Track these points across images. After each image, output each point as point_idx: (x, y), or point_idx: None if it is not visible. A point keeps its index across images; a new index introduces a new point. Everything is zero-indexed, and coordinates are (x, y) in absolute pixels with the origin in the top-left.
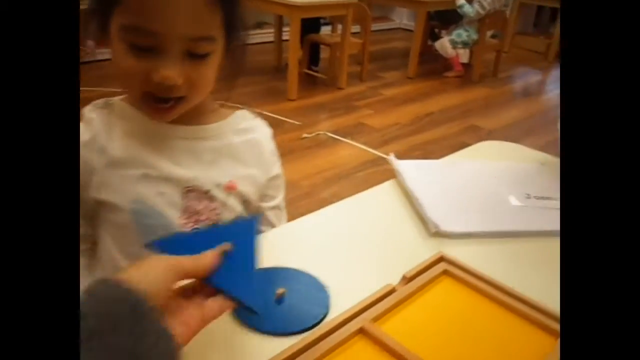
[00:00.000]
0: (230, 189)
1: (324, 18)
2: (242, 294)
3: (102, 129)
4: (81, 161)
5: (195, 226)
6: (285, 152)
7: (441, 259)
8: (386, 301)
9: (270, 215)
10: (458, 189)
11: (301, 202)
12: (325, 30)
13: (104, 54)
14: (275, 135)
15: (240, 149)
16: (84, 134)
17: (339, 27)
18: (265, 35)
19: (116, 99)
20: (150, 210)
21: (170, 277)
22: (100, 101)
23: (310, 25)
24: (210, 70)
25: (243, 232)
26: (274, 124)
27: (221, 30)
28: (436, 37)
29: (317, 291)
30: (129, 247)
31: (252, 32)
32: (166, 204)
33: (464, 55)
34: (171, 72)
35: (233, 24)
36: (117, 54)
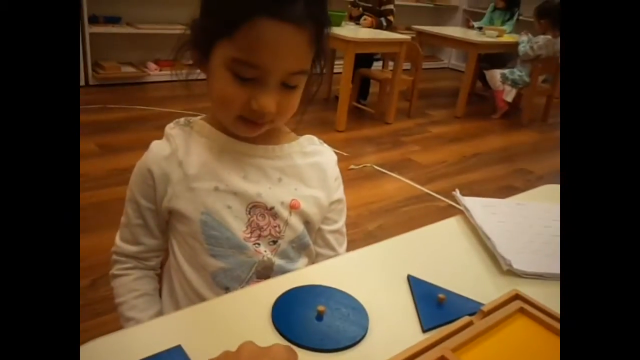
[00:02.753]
0: (293, 207)
1: (376, 54)
2: None
3: (181, 144)
4: (160, 173)
5: (257, 241)
6: None
7: (516, 297)
8: (465, 333)
9: (331, 238)
10: (526, 230)
11: (347, 232)
12: (375, 65)
13: (162, 76)
14: None
15: (306, 170)
16: (165, 148)
17: (390, 63)
18: None
19: (196, 118)
20: (217, 222)
21: None
22: (181, 120)
23: (362, 60)
24: (297, 98)
25: None
26: None
27: (311, 63)
28: (485, 79)
29: (358, 313)
30: (195, 257)
31: None
32: (232, 217)
33: (509, 94)
34: (269, 102)
35: (320, 58)
36: (220, 80)
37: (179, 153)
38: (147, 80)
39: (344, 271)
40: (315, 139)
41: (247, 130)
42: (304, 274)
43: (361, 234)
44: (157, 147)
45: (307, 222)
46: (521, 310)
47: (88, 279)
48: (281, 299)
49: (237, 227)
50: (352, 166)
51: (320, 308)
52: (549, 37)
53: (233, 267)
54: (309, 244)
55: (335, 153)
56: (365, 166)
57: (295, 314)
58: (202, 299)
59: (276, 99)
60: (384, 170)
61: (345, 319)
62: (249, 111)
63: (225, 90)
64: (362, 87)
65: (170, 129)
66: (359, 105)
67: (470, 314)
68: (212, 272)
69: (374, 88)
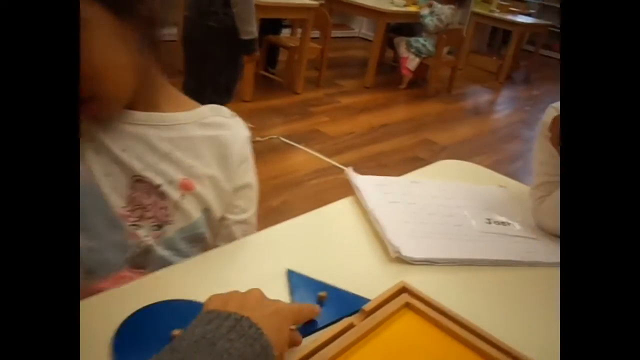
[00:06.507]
0: (185, 187)
1: (284, 20)
2: None
3: None
4: None
5: (138, 222)
6: None
7: (403, 290)
8: (344, 338)
9: (237, 230)
10: (418, 211)
11: None
12: (284, 33)
13: None
14: None
15: (201, 144)
16: None
17: (299, 31)
18: None
19: None
20: (90, 189)
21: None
22: None
23: (270, 26)
24: (93, 51)
25: None
26: None
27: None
28: (395, 49)
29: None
30: None
31: None
32: (110, 188)
33: (412, 62)
34: None
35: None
36: None
37: None
38: None
39: (210, 270)
40: (224, 109)
41: (83, 114)
42: (155, 281)
43: (263, 211)
44: None
45: (206, 210)
46: (407, 306)
47: None
48: (124, 328)
49: (115, 200)
50: (257, 138)
51: (176, 332)
52: (453, 6)
53: (101, 247)
54: (205, 237)
55: None
56: (271, 138)
57: (145, 345)
58: None
59: None
60: (291, 142)
61: None
62: None
63: None
64: (270, 54)
65: None
66: (267, 74)
67: (353, 313)
68: None
69: (282, 56)
